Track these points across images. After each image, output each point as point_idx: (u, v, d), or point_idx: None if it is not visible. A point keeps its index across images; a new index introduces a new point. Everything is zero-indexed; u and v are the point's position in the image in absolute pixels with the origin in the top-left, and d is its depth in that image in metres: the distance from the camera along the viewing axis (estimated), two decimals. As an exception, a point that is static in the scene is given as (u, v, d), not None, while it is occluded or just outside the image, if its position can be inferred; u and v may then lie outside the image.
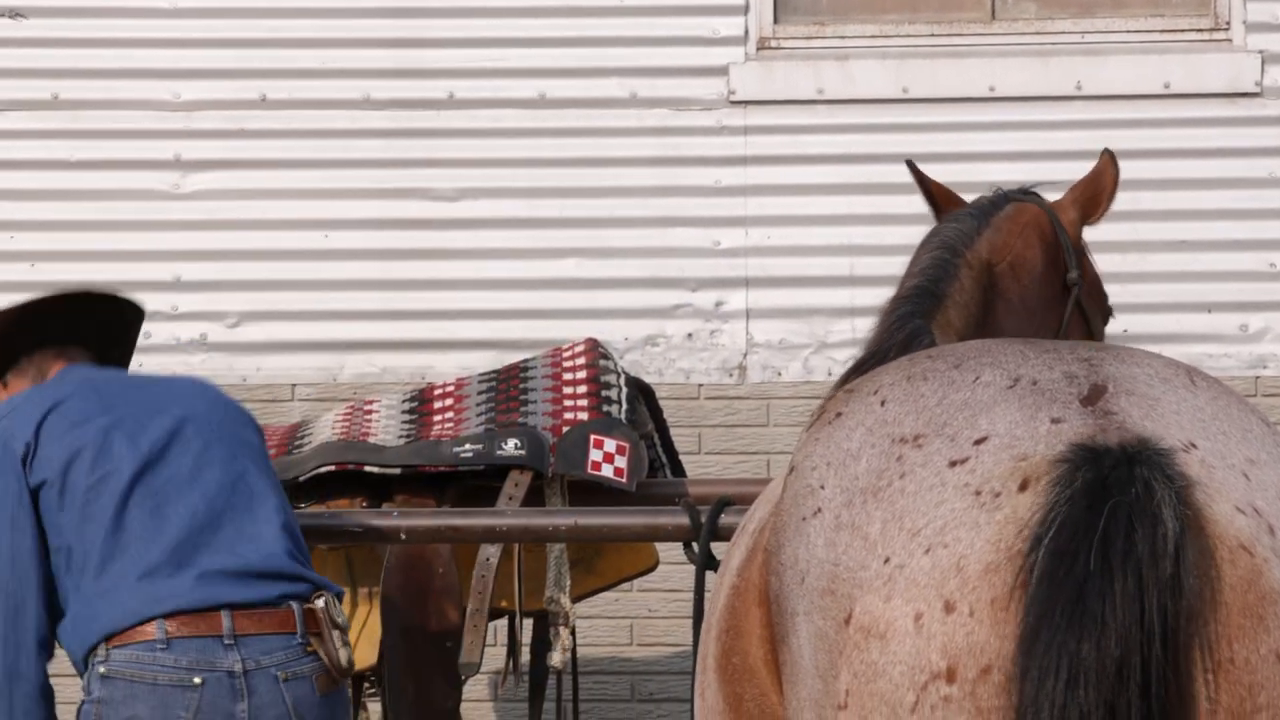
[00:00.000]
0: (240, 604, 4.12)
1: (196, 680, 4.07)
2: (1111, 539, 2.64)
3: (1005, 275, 4.32)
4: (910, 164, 4.45)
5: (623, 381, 5.61)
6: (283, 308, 7.40)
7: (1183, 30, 7.48)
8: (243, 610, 4.13)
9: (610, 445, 5.38)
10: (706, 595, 4.52)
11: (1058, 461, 2.74)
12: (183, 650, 4.07)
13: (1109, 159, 4.50)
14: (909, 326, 3.83)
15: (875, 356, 3.74)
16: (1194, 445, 2.81)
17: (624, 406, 5.52)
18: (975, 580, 2.73)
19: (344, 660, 4.22)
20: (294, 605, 4.19)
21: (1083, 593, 2.63)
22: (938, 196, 4.37)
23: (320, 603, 4.21)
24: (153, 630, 4.08)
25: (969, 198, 4.61)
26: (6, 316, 4.43)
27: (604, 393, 5.53)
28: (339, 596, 4.34)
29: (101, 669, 4.10)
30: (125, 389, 4.37)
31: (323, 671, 4.20)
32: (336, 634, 4.21)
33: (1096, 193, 4.55)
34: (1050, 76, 7.42)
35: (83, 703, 4.14)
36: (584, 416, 5.46)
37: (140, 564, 4.12)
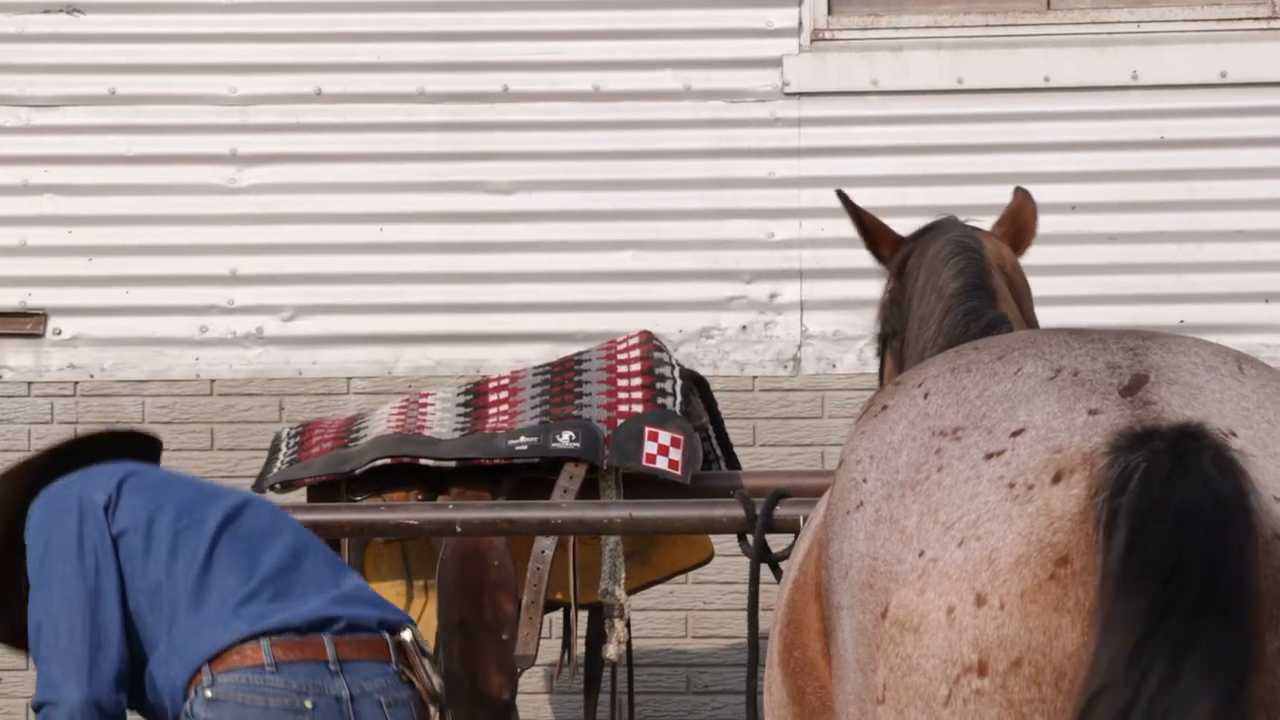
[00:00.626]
0: (341, 628, 4.15)
1: (308, 704, 4.07)
2: (1186, 507, 2.60)
3: (1014, 275, 4.34)
4: (840, 193, 4.39)
5: (677, 374, 5.62)
6: (338, 301, 7.42)
7: (1239, 19, 7.44)
8: (343, 637, 4.14)
9: (665, 438, 5.39)
10: (761, 587, 4.52)
11: (1107, 452, 2.73)
12: (291, 674, 4.07)
13: (1024, 196, 4.47)
14: (986, 317, 3.82)
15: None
16: (1234, 433, 2.79)
17: (678, 399, 5.53)
18: (1006, 573, 2.73)
19: (438, 688, 4.25)
20: (386, 635, 4.21)
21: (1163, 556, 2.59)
22: (870, 227, 4.31)
23: (408, 634, 4.24)
24: (260, 654, 4.08)
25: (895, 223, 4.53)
26: (41, 461, 4.41)
27: (658, 385, 5.54)
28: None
29: (208, 693, 4.07)
30: (183, 477, 4.50)
31: (418, 699, 4.22)
32: (427, 662, 4.24)
33: (1020, 229, 4.52)
34: (1106, 66, 7.39)
35: None
36: (639, 409, 5.47)
37: (238, 593, 4.14)
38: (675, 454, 5.37)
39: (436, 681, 4.25)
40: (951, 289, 3.90)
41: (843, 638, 2.93)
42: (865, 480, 2.97)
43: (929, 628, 2.76)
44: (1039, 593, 2.71)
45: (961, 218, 4.47)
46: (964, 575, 2.75)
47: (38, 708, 4.14)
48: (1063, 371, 2.91)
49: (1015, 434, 2.83)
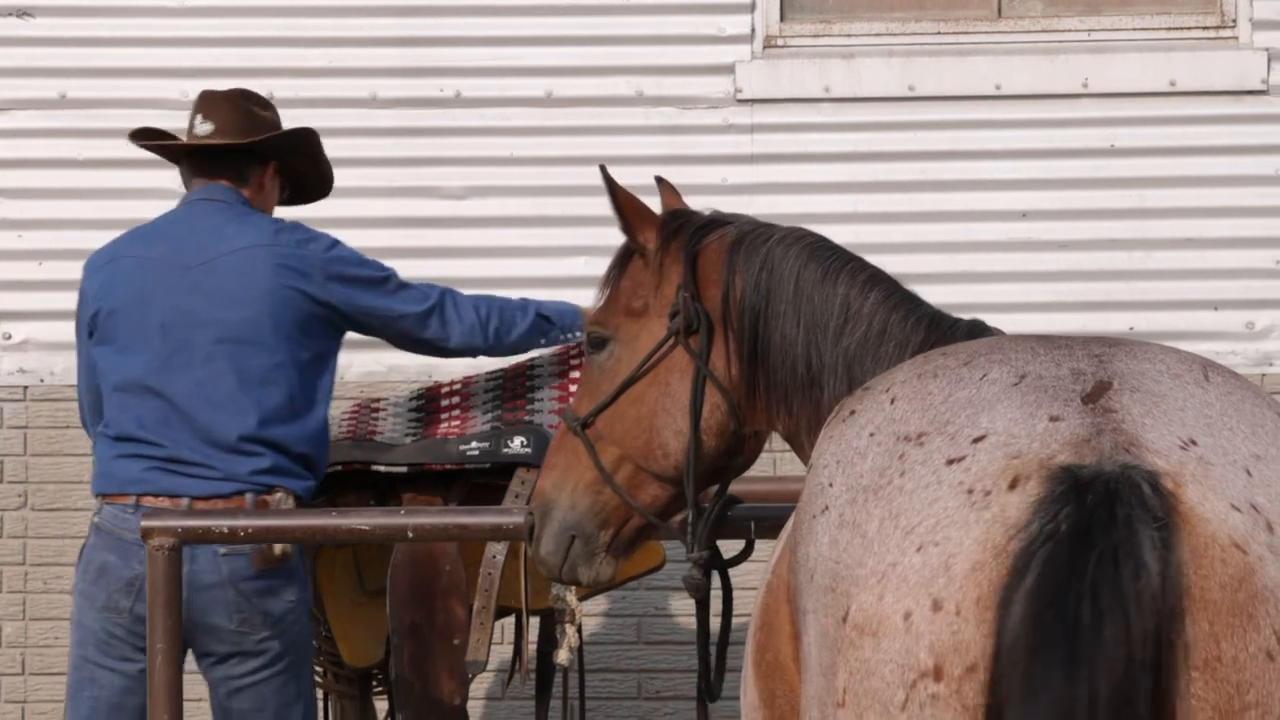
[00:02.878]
0: (199, 495, 5.10)
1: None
2: (1097, 588, 2.65)
3: None
4: (602, 169, 4.31)
5: None
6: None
7: (1189, 28, 7.49)
8: (201, 499, 5.09)
9: None
10: (711, 593, 4.52)
11: (1050, 480, 2.74)
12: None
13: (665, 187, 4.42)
14: (963, 325, 3.80)
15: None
16: (1194, 442, 2.81)
17: None
18: (962, 579, 2.75)
19: (276, 551, 5.08)
20: (249, 497, 5.05)
21: (1072, 640, 2.64)
22: (627, 209, 4.20)
23: (276, 496, 5.10)
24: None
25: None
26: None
27: None
28: (297, 493, 5.14)
29: (95, 519, 5.16)
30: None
31: (259, 551, 5.05)
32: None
33: None
34: (1057, 74, 7.42)
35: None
36: None
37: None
38: None
39: (279, 547, 5.07)
40: (873, 298, 3.84)
41: (808, 641, 2.94)
42: (831, 484, 2.97)
43: (887, 632, 2.78)
44: (994, 599, 2.72)
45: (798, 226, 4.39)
46: (921, 581, 2.77)
47: None
48: (1027, 377, 2.93)
49: (977, 440, 2.84)
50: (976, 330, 3.77)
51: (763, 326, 3.89)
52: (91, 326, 5.24)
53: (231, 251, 5.22)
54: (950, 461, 2.83)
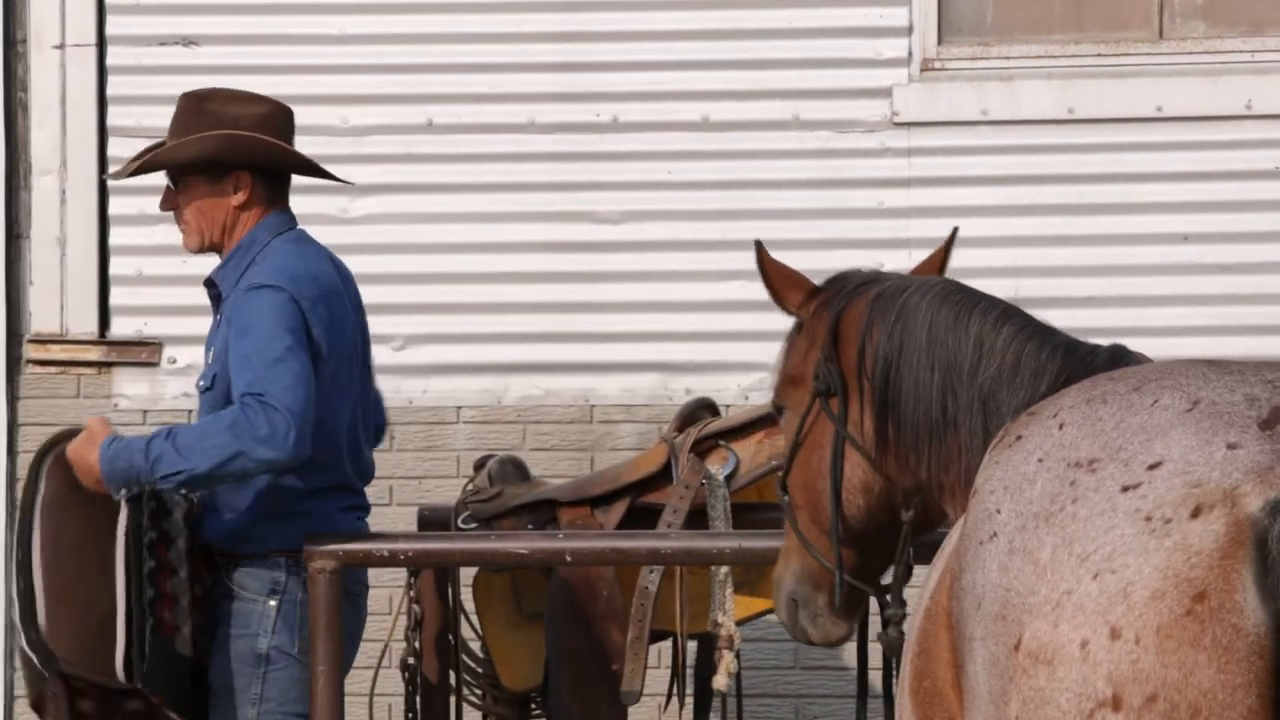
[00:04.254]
0: None
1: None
2: None
3: None
4: (758, 244, 4.35)
5: None
6: (448, 330, 7.45)
7: (1357, 47, 7.38)
8: None
9: None
10: (870, 617, 4.51)
11: (1265, 511, 2.71)
12: None
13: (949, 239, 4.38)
14: (1105, 350, 3.78)
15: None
16: None
17: None
18: (1142, 607, 2.73)
19: None
20: None
21: None
22: (774, 278, 4.24)
23: None
24: None
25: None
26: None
27: None
28: None
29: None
30: None
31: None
32: None
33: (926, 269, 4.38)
34: (1219, 96, 7.34)
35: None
36: None
37: None
38: None
39: None
40: (1006, 332, 3.82)
41: (974, 669, 2.93)
42: (999, 511, 2.96)
43: (1063, 660, 2.76)
44: (1175, 628, 2.70)
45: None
46: (1099, 608, 2.75)
47: None
48: (1200, 404, 2.90)
49: (1152, 467, 2.82)
50: (1119, 355, 3.75)
51: (894, 375, 3.91)
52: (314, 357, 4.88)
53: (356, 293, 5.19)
54: (1126, 488, 2.81)
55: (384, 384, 7.45)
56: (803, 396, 4.07)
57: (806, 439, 4.06)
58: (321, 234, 7.48)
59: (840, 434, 3.95)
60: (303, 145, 7.53)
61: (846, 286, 4.09)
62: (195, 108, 5.01)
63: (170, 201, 5.08)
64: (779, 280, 4.19)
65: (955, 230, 4.31)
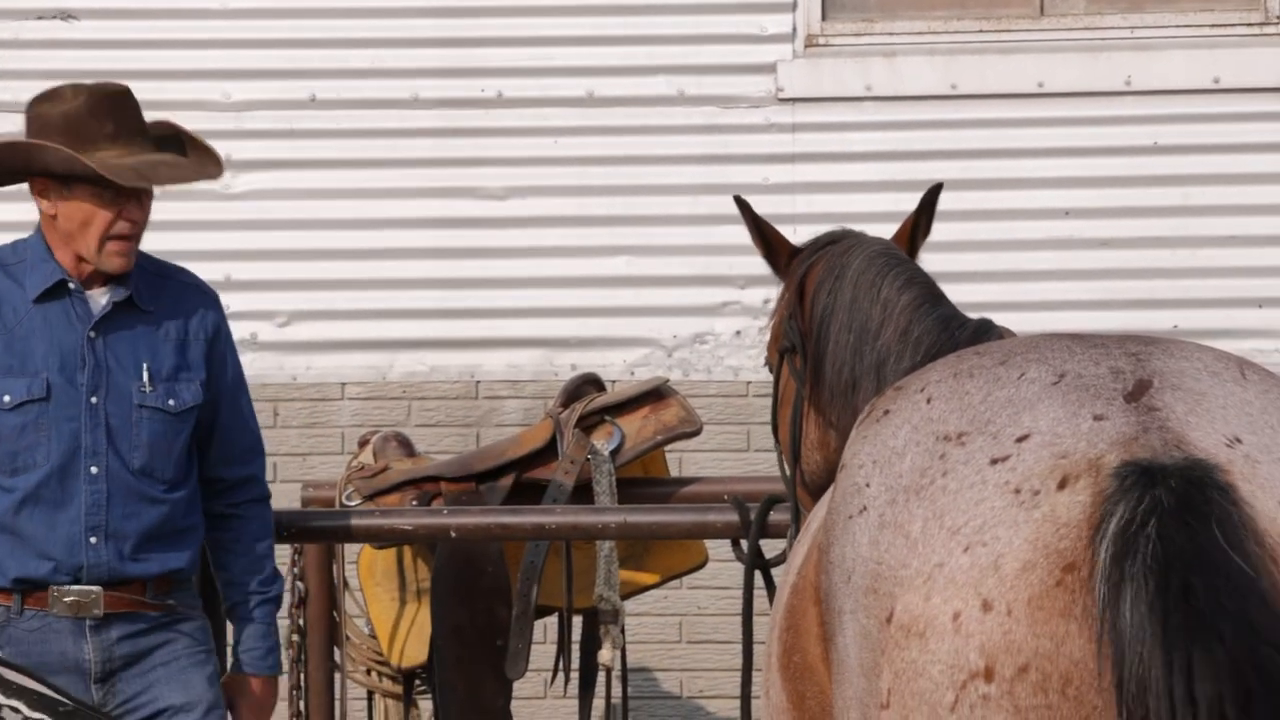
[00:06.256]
0: None
1: None
2: (1220, 561, 2.63)
3: None
4: (738, 199, 4.35)
5: None
6: (332, 307, 7.42)
7: (1233, 25, 7.45)
8: None
9: None
10: (755, 592, 4.53)
11: (1114, 476, 2.73)
12: None
13: (930, 193, 4.38)
14: (971, 324, 3.81)
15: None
16: (1239, 440, 2.80)
17: None
18: (1013, 579, 2.74)
19: None
20: None
21: (1209, 613, 2.61)
22: (770, 237, 4.26)
23: None
24: None
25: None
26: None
27: None
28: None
29: None
30: None
31: None
32: None
33: (905, 232, 4.38)
34: (1099, 72, 7.40)
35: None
36: None
37: None
38: None
39: None
40: (905, 299, 3.86)
41: (844, 642, 2.93)
42: (868, 485, 2.97)
43: (935, 633, 2.77)
44: (1046, 599, 2.71)
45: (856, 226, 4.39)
46: (970, 581, 2.76)
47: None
48: (1066, 376, 2.92)
49: (1020, 439, 2.84)
50: (983, 330, 3.78)
51: (822, 334, 3.95)
52: None
53: None
54: (994, 461, 2.83)
55: (268, 360, 7.43)
56: (776, 354, 4.13)
57: (783, 395, 4.10)
58: (203, 209, 7.46)
59: (799, 392, 3.99)
60: (184, 120, 7.49)
61: (815, 247, 4.13)
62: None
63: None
64: (773, 238, 4.21)
65: (938, 186, 4.29)
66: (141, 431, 4.34)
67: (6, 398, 4.30)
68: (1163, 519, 2.67)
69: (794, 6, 7.47)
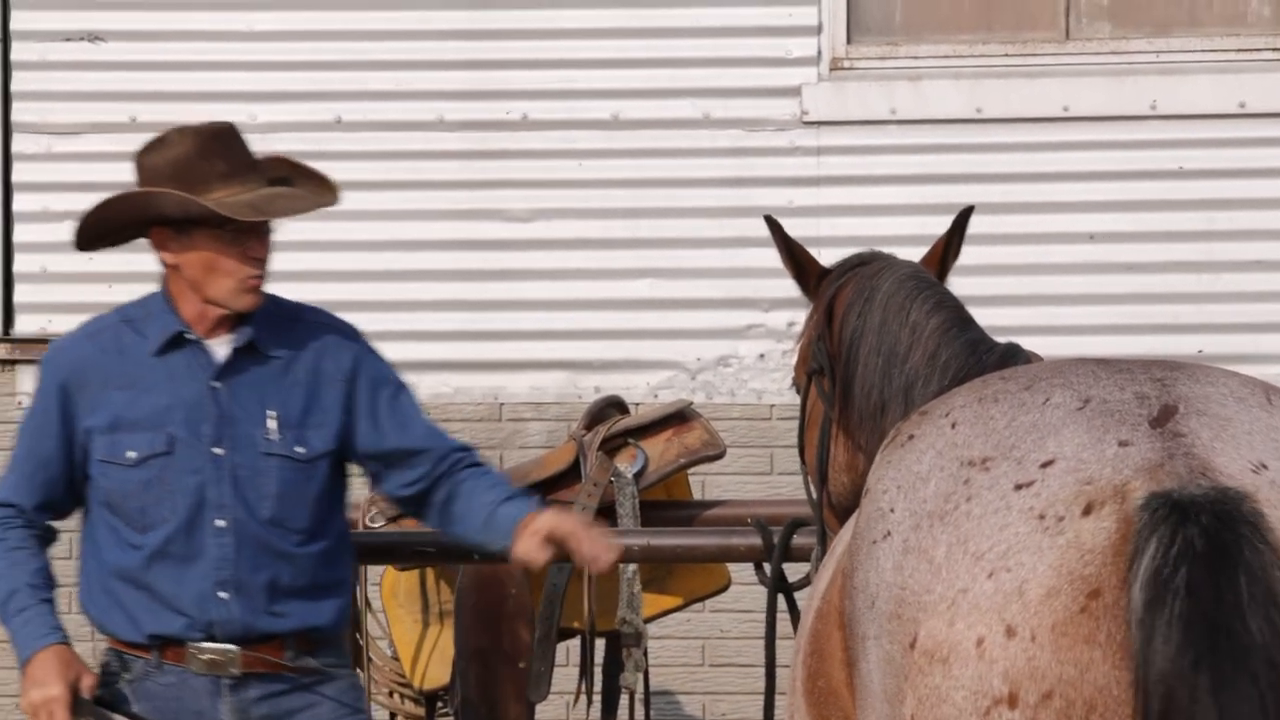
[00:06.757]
0: None
1: None
2: (1253, 603, 2.66)
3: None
4: (769, 219, 4.34)
5: None
6: (357, 328, 7.42)
7: (1258, 50, 7.45)
8: None
9: None
10: (778, 615, 4.52)
11: (1143, 509, 2.73)
12: None
13: (961, 217, 4.36)
14: (999, 347, 3.80)
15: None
16: (1264, 466, 2.80)
17: None
18: (1037, 605, 2.73)
19: None
20: None
21: (1239, 657, 2.64)
22: (800, 258, 4.26)
23: None
24: None
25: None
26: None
27: None
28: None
29: None
30: None
31: None
32: None
33: (934, 257, 4.36)
34: (1125, 96, 7.39)
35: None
36: None
37: None
38: None
39: None
40: (933, 323, 3.85)
41: (868, 668, 2.93)
42: (892, 510, 2.96)
43: (959, 659, 2.76)
44: (1070, 625, 2.71)
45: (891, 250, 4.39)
46: (994, 606, 2.75)
47: None
48: (1091, 402, 2.91)
49: (1045, 465, 2.83)
50: (1010, 354, 3.78)
51: (851, 357, 3.94)
52: None
53: None
54: (1019, 486, 2.82)
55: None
56: (804, 376, 4.12)
57: (810, 416, 4.09)
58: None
59: (827, 414, 3.98)
60: (211, 142, 7.52)
61: (845, 269, 4.12)
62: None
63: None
64: (803, 259, 4.20)
65: (970, 209, 4.28)
66: (270, 481, 4.18)
67: (131, 453, 4.18)
68: (1194, 566, 2.68)
69: (819, 30, 7.48)
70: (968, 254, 6.61)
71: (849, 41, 7.52)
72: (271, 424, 4.21)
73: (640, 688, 5.46)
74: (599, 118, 7.47)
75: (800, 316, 7.52)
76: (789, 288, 7.90)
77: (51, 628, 4.17)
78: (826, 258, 6.97)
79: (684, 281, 7.42)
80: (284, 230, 7.45)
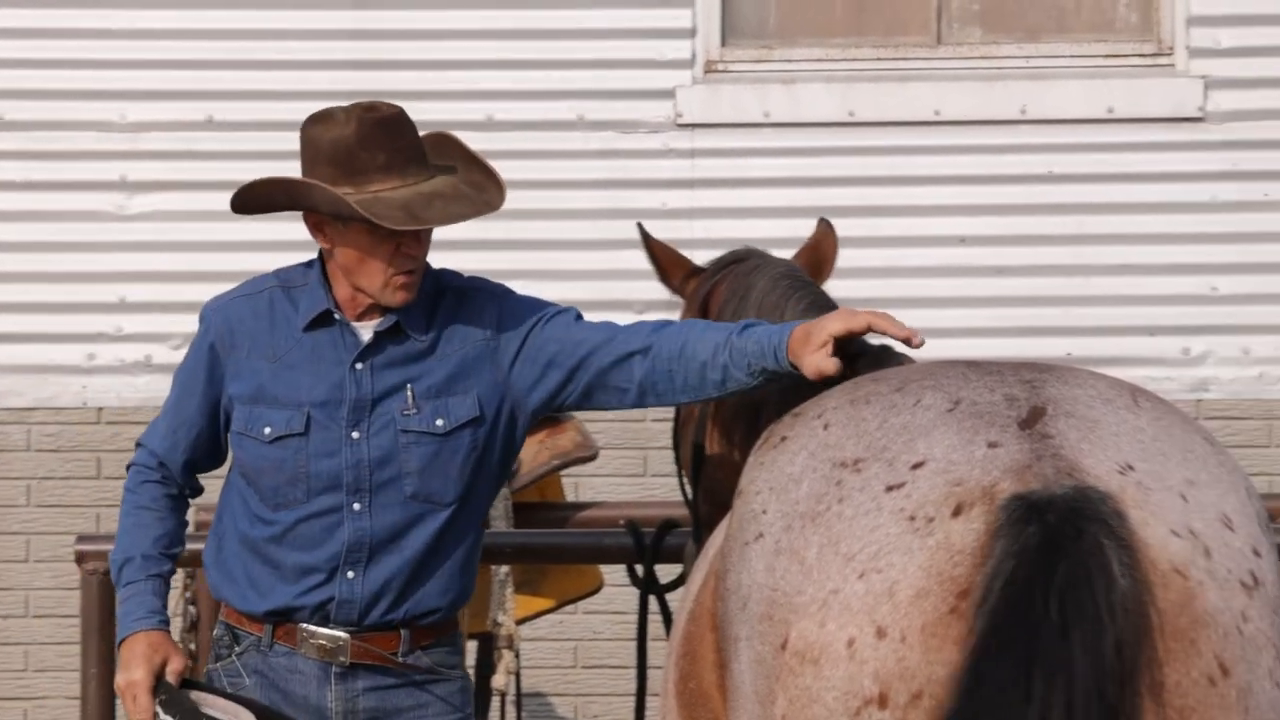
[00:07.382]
0: None
1: None
2: (1065, 594, 2.66)
3: None
4: (640, 226, 4.36)
5: None
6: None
7: (1127, 55, 7.53)
8: None
9: None
10: (650, 617, 4.53)
11: (1002, 509, 2.75)
12: None
13: (826, 228, 4.40)
14: (870, 350, 3.82)
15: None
16: (1131, 467, 2.82)
17: None
18: (906, 605, 2.75)
19: None
20: None
21: (1035, 642, 2.64)
22: (661, 258, 4.28)
23: None
24: None
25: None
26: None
27: None
28: None
29: None
30: None
31: None
32: None
33: (819, 261, 4.38)
34: (995, 100, 7.46)
35: None
36: None
37: None
38: None
39: None
40: (804, 304, 3.89)
41: (739, 669, 2.93)
42: (765, 511, 2.97)
43: (830, 659, 2.77)
44: (940, 626, 2.73)
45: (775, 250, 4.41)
46: (865, 607, 2.77)
47: None
48: (961, 403, 2.93)
49: (915, 466, 2.85)
50: (882, 356, 3.81)
51: None
52: None
53: None
54: (890, 488, 2.84)
55: (162, 382, 7.33)
56: None
57: (684, 413, 4.09)
58: (98, 231, 7.40)
59: (703, 410, 3.99)
60: (80, 141, 7.45)
61: (718, 266, 4.13)
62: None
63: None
64: (665, 260, 4.22)
65: (824, 222, 4.31)
66: (410, 459, 4.05)
67: (267, 429, 4.07)
68: (1019, 560, 2.70)
69: (694, 32, 7.50)
70: (840, 256, 6.64)
71: (723, 44, 7.55)
72: (409, 400, 4.07)
73: (512, 690, 5.45)
74: (474, 119, 7.44)
75: (674, 318, 7.53)
76: (663, 290, 7.88)
77: (149, 611, 4.08)
78: (700, 260, 6.98)
79: (559, 283, 7.40)
80: (155, 230, 7.39)
